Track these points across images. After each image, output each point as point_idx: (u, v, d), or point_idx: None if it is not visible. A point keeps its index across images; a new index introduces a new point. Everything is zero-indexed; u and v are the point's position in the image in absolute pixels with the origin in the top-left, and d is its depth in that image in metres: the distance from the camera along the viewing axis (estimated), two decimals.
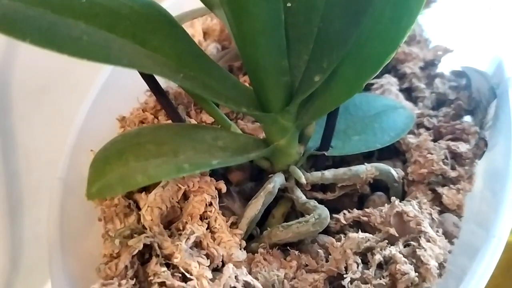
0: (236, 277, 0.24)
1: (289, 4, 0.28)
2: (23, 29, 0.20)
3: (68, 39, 0.21)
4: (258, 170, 0.33)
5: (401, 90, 0.38)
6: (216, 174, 0.30)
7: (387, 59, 0.25)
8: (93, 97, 0.36)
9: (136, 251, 0.25)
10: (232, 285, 0.24)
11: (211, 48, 0.40)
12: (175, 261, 0.25)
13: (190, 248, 0.26)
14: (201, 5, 0.30)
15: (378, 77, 0.39)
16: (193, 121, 0.33)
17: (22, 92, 0.53)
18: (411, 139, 0.34)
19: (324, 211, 0.28)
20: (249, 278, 0.25)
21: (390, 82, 0.38)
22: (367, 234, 0.27)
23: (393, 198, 0.29)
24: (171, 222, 0.29)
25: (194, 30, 0.41)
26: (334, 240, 0.28)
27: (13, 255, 0.54)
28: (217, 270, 0.27)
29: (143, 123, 0.34)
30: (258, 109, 0.28)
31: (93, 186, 0.23)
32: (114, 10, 0.25)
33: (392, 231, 0.28)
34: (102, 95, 0.37)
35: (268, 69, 0.26)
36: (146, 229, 0.27)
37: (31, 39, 0.19)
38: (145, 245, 0.26)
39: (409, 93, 0.39)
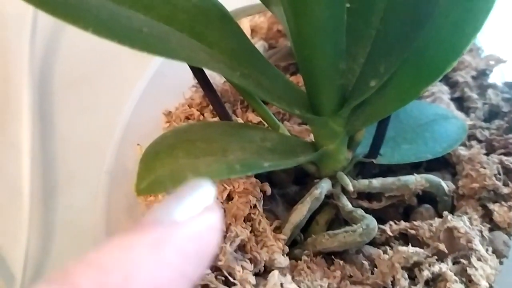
0: (281, 284, 0.23)
1: (348, 5, 0.27)
2: (86, 18, 0.19)
3: (129, 30, 0.20)
4: (302, 173, 0.32)
5: (452, 99, 0.37)
6: (260, 176, 0.30)
7: (449, 67, 0.24)
8: (140, 91, 0.36)
9: None
10: None
11: (258, 46, 0.39)
12: (219, 263, 0.24)
13: (234, 251, 0.25)
14: (256, 0, 0.29)
15: None
16: (239, 120, 0.32)
17: (63, 80, 0.54)
18: (462, 151, 0.33)
19: (372, 221, 0.27)
20: (293, 287, 0.24)
21: (441, 90, 0.37)
22: (417, 249, 0.26)
23: (445, 213, 0.28)
24: None
25: (242, 27, 0.41)
26: (381, 252, 0.27)
27: (44, 240, 0.55)
28: (258, 275, 0.26)
29: (188, 119, 0.33)
30: (310, 112, 0.27)
31: (143, 182, 0.22)
32: (172, 2, 0.24)
33: (442, 246, 0.27)
34: (148, 90, 0.36)
35: (325, 71, 0.25)
36: None
37: (93, 28, 0.18)
38: None
39: (460, 102, 0.37)
